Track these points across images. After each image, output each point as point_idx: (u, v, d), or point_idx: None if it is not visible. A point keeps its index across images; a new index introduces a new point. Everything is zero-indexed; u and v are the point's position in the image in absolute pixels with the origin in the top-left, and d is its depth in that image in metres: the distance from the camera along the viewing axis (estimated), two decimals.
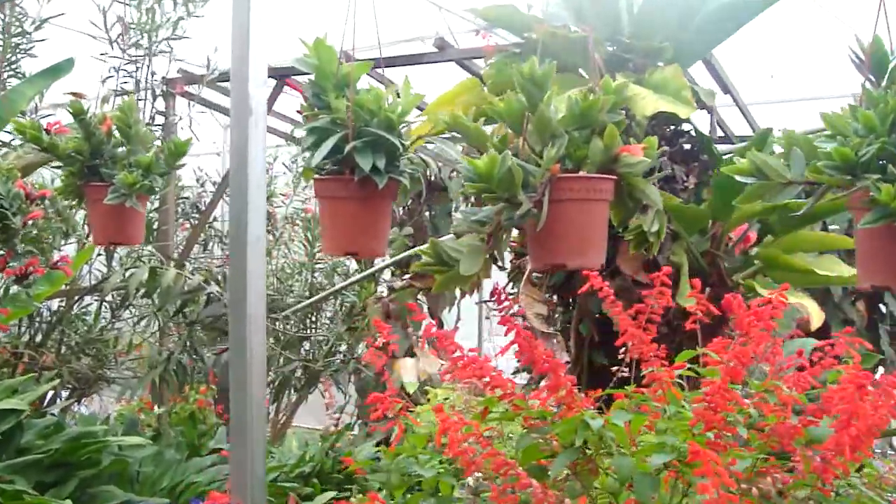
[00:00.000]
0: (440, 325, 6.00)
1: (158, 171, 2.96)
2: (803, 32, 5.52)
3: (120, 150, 2.99)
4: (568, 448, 1.65)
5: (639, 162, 1.97)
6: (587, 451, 1.70)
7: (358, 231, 2.23)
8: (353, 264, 6.24)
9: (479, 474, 1.79)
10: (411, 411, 2.15)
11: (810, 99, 5.78)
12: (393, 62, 4.24)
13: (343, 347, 5.49)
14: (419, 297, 5.97)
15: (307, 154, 2.28)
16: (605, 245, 2.05)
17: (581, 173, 1.99)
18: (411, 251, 5.50)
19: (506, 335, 1.98)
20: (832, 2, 5.32)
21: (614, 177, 2.02)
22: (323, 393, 5.55)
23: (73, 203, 3.24)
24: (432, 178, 6.04)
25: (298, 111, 2.44)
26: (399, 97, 2.24)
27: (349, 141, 2.16)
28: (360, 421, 5.45)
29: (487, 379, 1.78)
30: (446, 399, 2.71)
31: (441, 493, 2.16)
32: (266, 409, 1.86)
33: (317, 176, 2.30)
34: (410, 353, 5.74)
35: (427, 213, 6.13)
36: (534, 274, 3.45)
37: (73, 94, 3.12)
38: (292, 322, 5.44)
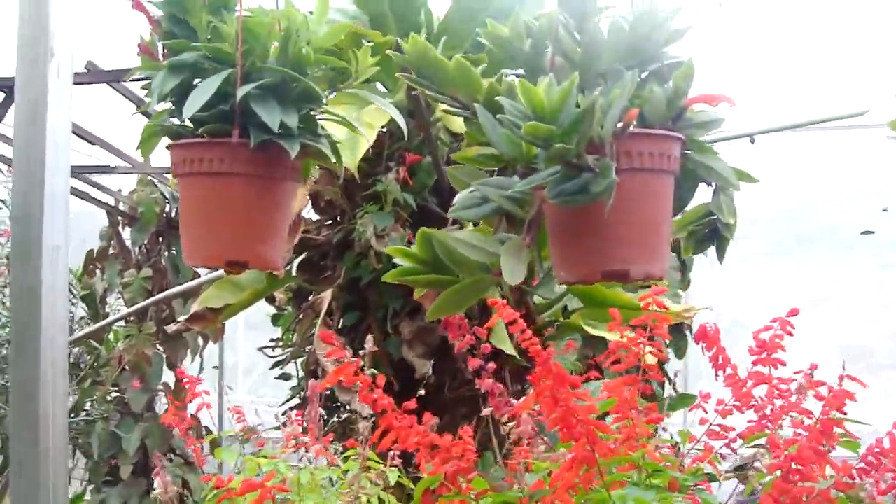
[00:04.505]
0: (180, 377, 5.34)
1: None
2: None
3: None
4: None
5: (713, 121, 1.35)
6: None
7: (250, 228, 1.51)
8: (77, 311, 5.39)
9: None
10: None
11: None
12: None
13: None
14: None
15: (167, 106, 1.52)
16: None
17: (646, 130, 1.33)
18: (153, 299, 4.82)
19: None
20: None
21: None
22: None
23: None
24: (173, 213, 5.43)
25: (141, 46, 1.76)
26: (311, 17, 1.51)
27: (237, 84, 1.45)
28: (92, 486, 4.70)
29: None
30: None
31: None
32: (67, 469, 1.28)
33: (178, 141, 1.52)
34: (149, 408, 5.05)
35: (167, 254, 5.38)
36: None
37: None
38: None
